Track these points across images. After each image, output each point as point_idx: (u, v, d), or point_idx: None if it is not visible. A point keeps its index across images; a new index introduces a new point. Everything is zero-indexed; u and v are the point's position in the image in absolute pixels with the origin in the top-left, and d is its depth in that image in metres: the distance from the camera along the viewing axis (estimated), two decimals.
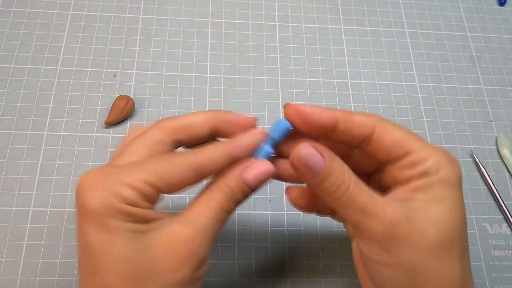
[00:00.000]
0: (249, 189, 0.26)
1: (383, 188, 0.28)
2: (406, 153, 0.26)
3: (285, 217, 0.39)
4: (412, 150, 0.26)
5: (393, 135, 0.26)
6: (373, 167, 0.29)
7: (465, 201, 0.40)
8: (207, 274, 0.36)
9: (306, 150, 0.25)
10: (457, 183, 0.26)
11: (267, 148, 0.27)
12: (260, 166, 0.26)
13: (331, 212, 0.31)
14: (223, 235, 0.38)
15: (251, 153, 0.27)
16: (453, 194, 0.25)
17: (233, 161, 0.27)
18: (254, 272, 0.37)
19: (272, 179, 0.27)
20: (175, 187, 0.25)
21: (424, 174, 0.25)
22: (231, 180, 0.26)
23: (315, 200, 0.29)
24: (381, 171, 0.29)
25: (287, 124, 0.27)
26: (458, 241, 0.25)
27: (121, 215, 0.23)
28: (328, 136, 0.27)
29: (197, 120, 0.27)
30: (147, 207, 0.24)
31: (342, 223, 0.31)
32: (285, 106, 0.27)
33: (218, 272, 0.36)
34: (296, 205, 0.30)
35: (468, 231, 0.39)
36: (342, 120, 0.27)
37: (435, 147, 0.26)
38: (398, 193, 0.26)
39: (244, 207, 0.39)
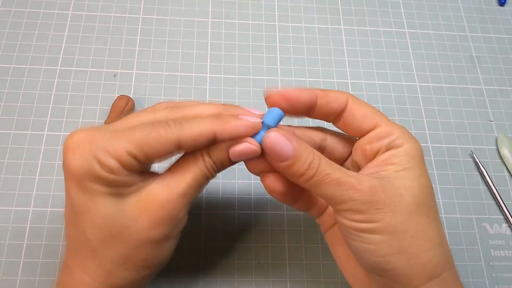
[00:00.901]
0: (232, 162, 0.28)
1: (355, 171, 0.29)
2: (374, 126, 0.29)
3: (285, 217, 0.39)
4: (379, 123, 0.29)
5: (363, 108, 0.29)
6: (345, 154, 0.31)
7: (465, 201, 0.41)
8: (207, 275, 0.36)
9: (273, 136, 0.27)
10: (420, 155, 0.28)
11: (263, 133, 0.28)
12: (244, 144, 0.27)
13: (306, 206, 0.32)
14: (223, 235, 0.38)
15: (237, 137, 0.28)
16: (418, 164, 0.28)
17: (216, 142, 0.28)
18: (254, 273, 0.37)
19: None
20: (156, 159, 0.26)
21: (391, 146, 0.28)
22: (217, 152, 0.28)
23: (289, 187, 0.30)
24: (352, 155, 0.31)
25: (280, 113, 0.28)
26: (429, 203, 0.27)
27: (100, 180, 0.25)
28: (309, 115, 0.30)
29: (205, 133, 0.27)
30: (126, 175, 0.26)
31: (316, 219, 0.33)
32: (270, 94, 0.29)
33: (218, 272, 0.36)
34: (272, 191, 0.30)
35: (467, 231, 0.40)
36: (320, 96, 0.29)
37: (397, 124, 0.29)
38: (368, 167, 0.28)
39: (244, 207, 0.39)
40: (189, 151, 0.28)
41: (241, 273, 0.36)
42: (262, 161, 0.29)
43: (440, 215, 0.29)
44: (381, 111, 0.44)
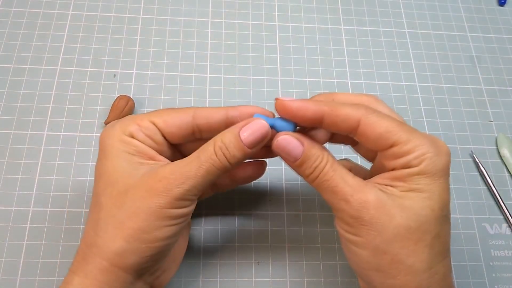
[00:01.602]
0: (247, 147, 0.28)
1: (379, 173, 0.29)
2: (391, 145, 0.27)
3: (285, 217, 0.39)
4: (396, 142, 0.27)
5: (378, 128, 0.27)
6: (373, 155, 0.31)
7: (465, 201, 0.41)
8: (207, 275, 0.36)
9: (284, 137, 0.28)
10: (441, 174, 0.27)
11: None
12: (256, 123, 0.28)
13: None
14: (222, 235, 0.38)
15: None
16: (432, 185, 0.27)
17: (230, 123, 0.29)
18: (254, 273, 0.37)
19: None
20: (174, 128, 0.30)
21: (406, 166, 0.27)
22: (226, 133, 0.28)
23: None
24: (377, 158, 0.30)
25: (290, 126, 0.29)
26: (428, 230, 0.26)
27: (122, 143, 0.28)
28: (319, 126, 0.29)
29: (218, 111, 0.30)
30: (148, 143, 0.29)
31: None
32: (276, 100, 0.29)
33: (218, 272, 0.36)
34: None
35: (467, 231, 0.40)
36: (327, 114, 0.28)
37: (424, 138, 0.27)
38: (380, 178, 0.28)
39: (244, 207, 0.39)
40: (206, 136, 0.30)
41: (241, 273, 0.36)
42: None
43: None
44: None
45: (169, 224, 0.27)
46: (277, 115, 0.29)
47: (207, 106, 0.43)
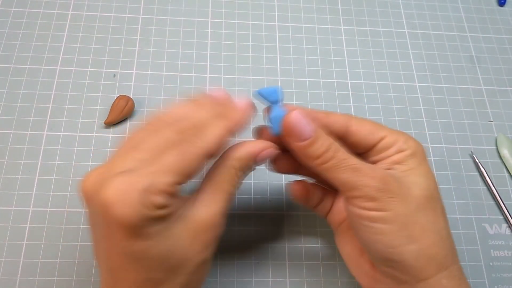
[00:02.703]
0: (255, 166, 0.29)
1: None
2: (380, 139, 0.30)
3: (285, 217, 0.39)
4: (384, 136, 0.30)
5: (366, 126, 0.30)
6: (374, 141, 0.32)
7: (465, 201, 0.41)
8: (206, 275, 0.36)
9: (295, 114, 0.28)
10: (424, 157, 0.30)
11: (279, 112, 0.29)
12: (269, 150, 0.29)
13: (313, 204, 0.34)
14: (222, 236, 0.38)
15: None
16: (423, 164, 0.30)
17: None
18: (254, 273, 0.37)
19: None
20: (193, 177, 0.26)
21: (399, 151, 0.30)
22: (245, 161, 0.28)
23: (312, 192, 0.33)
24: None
25: (276, 88, 0.30)
26: (437, 200, 0.29)
27: (154, 220, 0.24)
28: None
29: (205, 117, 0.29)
30: (173, 203, 0.25)
31: (326, 218, 0.34)
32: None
33: (218, 272, 0.36)
34: (298, 198, 0.33)
35: (467, 231, 0.40)
36: (321, 121, 0.30)
37: (399, 131, 0.31)
38: (381, 164, 0.30)
39: (244, 207, 0.39)
40: (216, 156, 0.29)
41: (241, 273, 0.36)
42: (289, 161, 0.31)
43: None
44: (380, 111, 0.45)
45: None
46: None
47: None
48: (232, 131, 0.28)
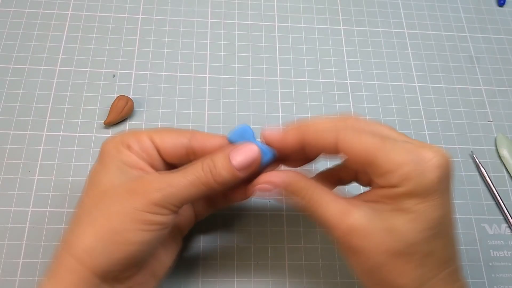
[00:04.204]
0: (234, 168, 0.29)
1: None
2: (370, 165, 0.27)
3: (284, 217, 0.39)
4: (376, 163, 0.26)
5: (355, 148, 0.27)
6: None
7: (464, 201, 0.41)
8: (206, 275, 0.36)
9: (260, 187, 0.30)
10: (430, 192, 0.25)
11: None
12: (247, 147, 0.29)
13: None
14: (222, 236, 0.38)
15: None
16: (419, 205, 0.25)
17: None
18: (253, 273, 0.37)
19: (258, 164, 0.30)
20: (170, 148, 0.30)
21: (390, 186, 0.26)
22: (217, 153, 0.29)
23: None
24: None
25: (245, 129, 0.31)
26: (417, 251, 0.26)
27: (118, 151, 0.29)
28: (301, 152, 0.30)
29: (214, 140, 0.31)
30: (142, 156, 0.30)
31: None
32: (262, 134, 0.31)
33: (217, 272, 0.36)
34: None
35: (467, 232, 0.40)
36: (306, 139, 0.29)
37: (406, 154, 0.26)
38: (371, 193, 0.28)
39: (244, 207, 0.39)
40: (198, 149, 0.31)
41: (240, 274, 0.36)
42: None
43: None
44: (380, 111, 0.44)
45: (143, 228, 0.27)
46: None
47: (206, 109, 0.43)
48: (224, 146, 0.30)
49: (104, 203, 0.27)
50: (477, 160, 0.42)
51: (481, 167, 0.42)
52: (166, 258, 0.32)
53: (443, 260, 0.27)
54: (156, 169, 0.31)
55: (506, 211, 0.40)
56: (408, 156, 0.26)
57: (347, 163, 0.30)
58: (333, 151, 0.28)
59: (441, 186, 0.26)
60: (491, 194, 0.41)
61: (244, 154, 0.29)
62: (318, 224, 0.28)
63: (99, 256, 0.26)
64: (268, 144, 0.30)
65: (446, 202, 0.26)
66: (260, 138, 0.31)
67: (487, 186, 0.42)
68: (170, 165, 0.32)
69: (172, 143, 0.30)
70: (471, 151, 0.43)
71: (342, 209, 0.27)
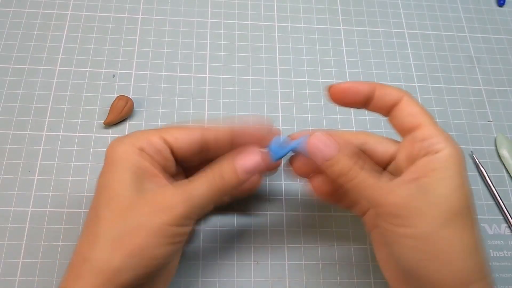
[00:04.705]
0: (241, 175, 0.29)
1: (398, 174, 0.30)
2: (417, 126, 0.29)
3: (284, 217, 0.39)
4: (422, 125, 0.29)
5: (413, 107, 0.29)
6: (387, 157, 0.32)
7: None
8: (206, 275, 0.36)
9: (318, 135, 0.29)
10: (461, 163, 0.28)
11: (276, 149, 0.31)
12: (253, 157, 0.30)
13: (349, 205, 0.34)
14: (222, 236, 0.38)
15: (254, 140, 0.31)
16: (458, 171, 0.27)
17: (236, 144, 0.31)
18: (253, 273, 0.37)
19: (268, 172, 0.31)
20: (184, 145, 0.30)
21: (430, 150, 0.27)
22: (224, 162, 0.30)
23: (335, 188, 0.32)
24: (396, 158, 0.31)
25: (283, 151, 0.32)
26: (467, 212, 0.27)
27: (131, 158, 0.28)
28: (366, 106, 0.31)
29: (224, 133, 0.31)
30: (157, 158, 0.29)
31: (361, 218, 0.34)
32: (332, 87, 0.32)
33: (217, 272, 0.36)
34: (319, 193, 0.33)
35: None
36: (377, 89, 0.30)
37: (440, 128, 0.29)
38: (409, 173, 0.28)
39: (243, 207, 0.39)
40: (212, 153, 0.31)
41: (240, 274, 0.36)
42: (307, 163, 0.32)
43: None
44: None
45: (170, 242, 0.27)
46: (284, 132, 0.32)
47: (206, 109, 0.43)
48: (234, 133, 0.31)
49: (129, 220, 0.27)
50: (477, 160, 0.42)
51: (481, 167, 0.42)
52: (174, 264, 0.32)
53: (480, 235, 0.28)
54: (169, 170, 0.31)
55: (506, 211, 0.40)
56: (443, 131, 0.29)
57: (395, 123, 0.31)
58: (392, 105, 0.30)
59: (465, 165, 0.28)
60: (491, 194, 0.41)
61: (248, 161, 0.29)
62: (363, 196, 0.28)
63: (127, 274, 0.26)
64: (337, 96, 0.31)
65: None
66: (329, 90, 0.32)
67: (487, 186, 0.42)
68: (181, 164, 0.32)
69: (185, 141, 0.30)
70: (471, 151, 0.43)
71: (392, 184, 0.28)
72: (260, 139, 0.32)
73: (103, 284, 0.26)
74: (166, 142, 0.30)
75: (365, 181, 0.28)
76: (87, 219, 0.29)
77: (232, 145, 0.31)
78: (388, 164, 0.31)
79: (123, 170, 0.28)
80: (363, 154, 0.30)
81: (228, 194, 0.30)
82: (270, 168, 0.33)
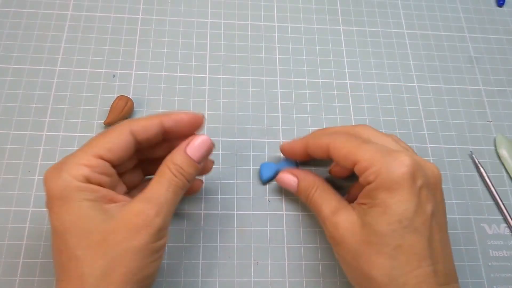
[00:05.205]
0: (197, 163, 0.30)
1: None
2: (354, 163, 0.31)
3: (284, 217, 0.39)
4: (357, 161, 0.30)
5: (341, 150, 0.32)
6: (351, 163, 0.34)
7: (463, 201, 0.41)
8: (206, 275, 0.36)
9: (283, 175, 0.37)
10: (398, 186, 0.28)
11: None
12: (199, 138, 0.30)
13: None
14: (221, 236, 0.38)
15: (186, 131, 0.32)
16: (388, 199, 0.28)
17: (165, 132, 0.31)
18: (253, 273, 0.37)
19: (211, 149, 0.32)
20: (120, 153, 0.29)
21: (367, 182, 0.30)
22: (176, 155, 0.30)
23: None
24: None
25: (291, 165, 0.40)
26: (386, 242, 0.28)
27: (80, 191, 0.27)
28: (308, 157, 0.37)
29: (152, 121, 0.31)
30: (104, 181, 0.28)
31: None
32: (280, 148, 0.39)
33: (217, 272, 0.36)
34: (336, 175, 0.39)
35: (466, 231, 0.40)
36: (310, 145, 0.35)
37: (379, 153, 0.30)
38: (360, 195, 0.31)
39: (243, 207, 0.39)
40: (144, 142, 0.30)
41: (240, 274, 0.36)
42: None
43: None
44: (379, 111, 0.44)
45: (155, 258, 0.27)
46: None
47: (206, 109, 0.43)
48: (164, 123, 0.31)
49: (109, 251, 0.26)
50: (476, 160, 0.42)
51: (480, 167, 0.42)
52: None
53: (416, 257, 0.28)
54: (115, 185, 0.30)
55: (505, 211, 0.40)
56: (380, 154, 0.30)
57: (340, 163, 0.33)
58: (326, 155, 0.33)
59: (408, 183, 0.28)
60: (490, 194, 0.42)
61: (200, 147, 0.30)
62: (315, 215, 0.35)
63: None
64: (284, 154, 0.39)
65: (416, 200, 0.28)
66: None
67: (486, 186, 0.42)
68: (115, 166, 0.30)
69: (120, 148, 0.29)
70: (470, 151, 0.43)
71: (333, 208, 0.32)
72: (191, 121, 0.32)
73: None
74: (103, 158, 0.28)
75: (315, 206, 0.34)
76: (59, 263, 0.27)
77: (164, 134, 0.31)
78: (353, 169, 0.32)
79: (79, 204, 0.27)
80: (319, 182, 0.35)
81: (187, 188, 0.30)
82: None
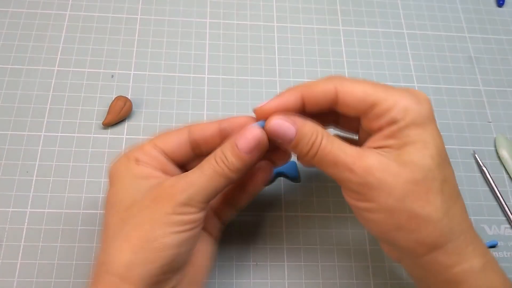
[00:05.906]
0: (243, 154, 0.29)
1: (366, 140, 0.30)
2: (371, 106, 0.28)
3: (283, 218, 0.39)
4: (376, 102, 0.28)
5: (355, 92, 0.29)
6: (356, 126, 0.32)
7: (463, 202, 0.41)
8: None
9: (275, 122, 0.29)
10: (427, 121, 0.28)
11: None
12: (249, 130, 0.29)
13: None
14: (221, 237, 0.37)
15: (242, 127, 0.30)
16: (423, 134, 0.28)
17: (224, 135, 0.31)
18: (252, 274, 0.36)
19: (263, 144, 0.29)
20: (173, 144, 0.31)
21: (392, 122, 0.28)
22: (225, 143, 0.29)
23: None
24: (361, 127, 0.31)
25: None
26: (434, 177, 0.27)
27: (128, 168, 0.30)
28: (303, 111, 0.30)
29: (210, 123, 0.32)
30: (153, 164, 0.30)
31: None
32: (254, 112, 0.31)
33: (216, 273, 0.36)
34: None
35: None
36: (305, 95, 0.30)
37: (401, 91, 0.28)
38: (373, 141, 0.29)
39: (243, 208, 0.39)
40: (205, 150, 0.31)
41: (239, 275, 0.36)
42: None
43: None
44: None
45: (175, 230, 0.27)
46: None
47: (204, 109, 0.43)
48: (222, 126, 0.31)
49: (132, 217, 0.28)
50: (479, 161, 0.42)
51: (483, 167, 0.42)
52: (203, 260, 0.32)
53: (456, 189, 0.29)
54: (170, 173, 0.31)
55: (509, 212, 0.40)
56: (403, 92, 0.28)
57: (345, 110, 0.30)
58: (333, 101, 0.29)
59: (434, 117, 0.28)
60: (492, 194, 0.41)
61: (248, 137, 0.29)
62: (328, 170, 0.28)
63: (139, 268, 0.26)
64: (264, 117, 0.30)
65: (439, 133, 0.29)
66: (256, 117, 0.31)
67: (488, 187, 0.42)
68: (181, 166, 0.32)
69: (175, 143, 0.31)
70: (473, 151, 0.43)
71: (356, 152, 0.28)
72: (247, 124, 0.31)
73: (119, 284, 0.26)
74: (157, 147, 0.31)
75: (326, 157, 0.28)
76: (100, 232, 0.30)
77: (222, 138, 0.31)
78: (366, 116, 0.29)
79: (123, 180, 0.29)
80: (322, 128, 0.29)
81: (233, 178, 0.29)
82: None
